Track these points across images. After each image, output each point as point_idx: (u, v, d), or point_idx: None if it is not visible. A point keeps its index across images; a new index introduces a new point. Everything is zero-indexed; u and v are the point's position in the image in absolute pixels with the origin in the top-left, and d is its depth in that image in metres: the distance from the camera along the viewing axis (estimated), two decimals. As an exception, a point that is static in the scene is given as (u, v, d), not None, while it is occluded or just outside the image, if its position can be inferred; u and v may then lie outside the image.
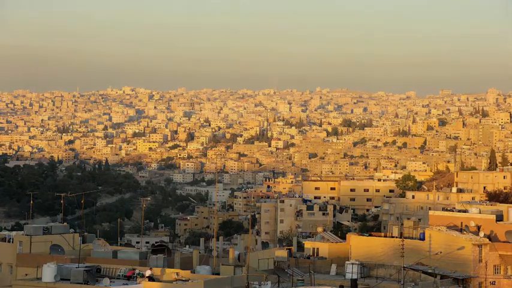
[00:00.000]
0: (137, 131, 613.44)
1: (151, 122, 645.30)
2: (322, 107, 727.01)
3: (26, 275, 73.03)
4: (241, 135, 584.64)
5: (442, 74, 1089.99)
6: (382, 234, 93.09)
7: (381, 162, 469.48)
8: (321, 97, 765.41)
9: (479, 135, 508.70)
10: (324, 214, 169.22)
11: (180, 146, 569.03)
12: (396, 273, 75.47)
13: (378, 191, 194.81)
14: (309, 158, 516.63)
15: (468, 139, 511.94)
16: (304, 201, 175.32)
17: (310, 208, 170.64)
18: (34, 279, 67.94)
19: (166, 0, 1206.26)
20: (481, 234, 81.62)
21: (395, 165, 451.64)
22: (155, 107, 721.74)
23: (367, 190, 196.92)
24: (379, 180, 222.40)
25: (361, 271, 76.96)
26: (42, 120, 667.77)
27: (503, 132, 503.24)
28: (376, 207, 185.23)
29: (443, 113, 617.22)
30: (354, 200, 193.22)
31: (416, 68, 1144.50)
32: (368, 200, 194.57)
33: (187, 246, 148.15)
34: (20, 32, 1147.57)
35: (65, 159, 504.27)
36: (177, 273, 67.94)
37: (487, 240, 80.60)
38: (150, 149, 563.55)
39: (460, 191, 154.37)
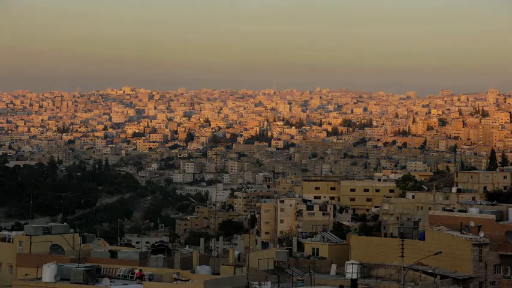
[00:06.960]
0: (137, 131, 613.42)
1: (151, 122, 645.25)
2: (322, 107, 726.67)
3: (26, 275, 73.07)
4: (241, 135, 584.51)
5: (442, 74, 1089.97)
6: (382, 234, 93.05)
7: (381, 162, 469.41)
8: (321, 97, 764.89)
9: (479, 135, 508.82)
10: (324, 214, 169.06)
11: (180, 146, 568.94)
12: (396, 273, 75.41)
13: (378, 191, 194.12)
14: (309, 158, 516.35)
15: (468, 139, 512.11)
16: (304, 201, 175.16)
17: (310, 208, 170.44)
18: (34, 279, 67.93)
19: (168, 0, 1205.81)
20: (481, 234, 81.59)
21: (396, 165, 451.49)
22: (155, 107, 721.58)
23: (367, 190, 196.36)
24: (379, 180, 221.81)
25: (361, 271, 76.90)
26: (42, 120, 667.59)
27: (503, 132, 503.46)
28: (376, 207, 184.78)
29: (443, 113, 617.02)
30: (354, 200, 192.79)
31: (417, 68, 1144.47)
32: (368, 200, 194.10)
33: (187, 246, 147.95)
34: (20, 31, 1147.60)
35: (65, 159, 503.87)
36: (177, 273, 67.94)
37: (487, 240, 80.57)
38: (150, 149, 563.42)
39: (460, 191, 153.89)
